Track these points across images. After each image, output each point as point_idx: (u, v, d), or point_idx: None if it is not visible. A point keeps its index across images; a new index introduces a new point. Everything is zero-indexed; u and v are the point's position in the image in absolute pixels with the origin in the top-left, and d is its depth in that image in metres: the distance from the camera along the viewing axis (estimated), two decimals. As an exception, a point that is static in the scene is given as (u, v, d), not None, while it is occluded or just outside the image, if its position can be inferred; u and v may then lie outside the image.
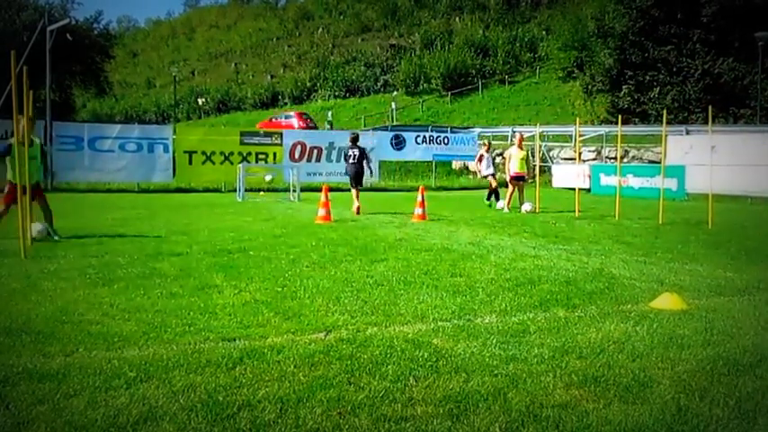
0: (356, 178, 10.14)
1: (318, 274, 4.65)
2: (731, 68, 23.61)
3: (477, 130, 25.86)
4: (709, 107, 9.79)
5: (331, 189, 10.45)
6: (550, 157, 23.04)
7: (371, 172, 10.57)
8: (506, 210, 10.69)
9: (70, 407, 2.15)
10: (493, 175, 12.00)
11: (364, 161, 10.14)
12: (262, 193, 16.13)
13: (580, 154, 19.61)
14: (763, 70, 21.07)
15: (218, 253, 5.62)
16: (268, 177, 13.72)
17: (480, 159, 12.24)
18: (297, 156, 18.83)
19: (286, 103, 43.59)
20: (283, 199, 13.90)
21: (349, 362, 2.65)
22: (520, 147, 10.85)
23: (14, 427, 2.00)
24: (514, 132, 11.40)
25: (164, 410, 2.13)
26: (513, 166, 10.66)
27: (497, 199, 11.56)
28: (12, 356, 2.67)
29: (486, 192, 12.45)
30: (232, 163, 17.53)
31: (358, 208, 9.84)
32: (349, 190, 10.67)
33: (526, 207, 10.49)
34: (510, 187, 10.78)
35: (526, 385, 2.39)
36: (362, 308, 3.61)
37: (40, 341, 2.89)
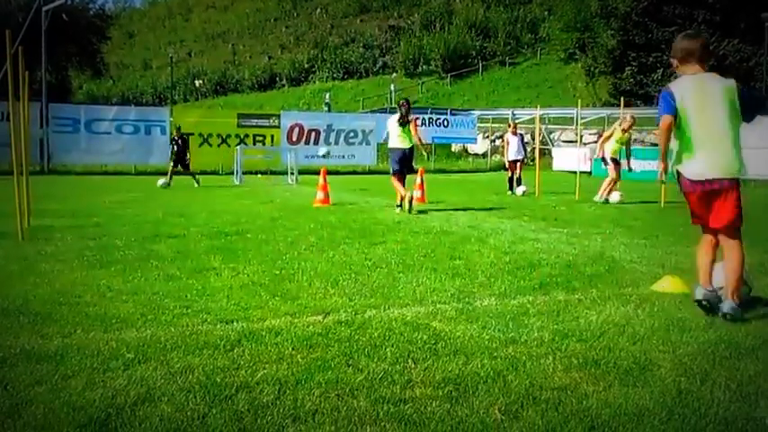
0: (182, 161, 12.69)
1: (317, 256, 4.63)
2: (736, 50, 23.32)
3: (477, 112, 25.65)
4: None
5: (329, 172, 10.40)
6: (551, 140, 22.92)
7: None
8: (599, 198, 9.34)
9: (68, 388, 2.14)
10: (521, 161, 11.10)
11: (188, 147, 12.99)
12: (259, 175, 16.05)
13: (581, 137, 19.48)
14: (769, 52, 20.81)
15: (215, 235, 5.59)
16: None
17: (508, 142, 11.19)
18: (294, 138, 18.70)
19: (284, 85, 43.11)
20: (281, 182, 13.83)
21: (347, 344, 2.63)
22: (625, 130, 9.46)
23: (12, 407, 1.99)
24: (621, 117, 9.95)
25: (162, 391, 2.12)
26: (608, 149, 9.50)
27: (518, 185, 10.90)
28: (9, 337, 2.66)
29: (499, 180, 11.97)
30: (229, 145, 17.41)
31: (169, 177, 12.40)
32: (350, 173, 11.13)
33: (614, 197, 9.30)
34: (610, 173, 9.52)
35: (525, 368, 2.38)
36: (361, 290, 3.59)
37: (38, 322, 2.88)
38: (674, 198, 9.24)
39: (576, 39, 31.87)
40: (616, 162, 9.53)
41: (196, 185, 12.44)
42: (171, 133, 17.11)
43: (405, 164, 7.55)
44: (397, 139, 7.50)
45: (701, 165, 2.97)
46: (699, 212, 3.09)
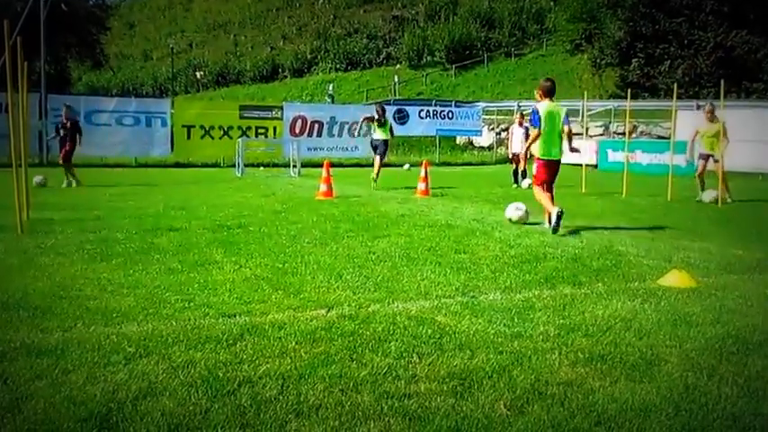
0: (66, 151, 10.39)
1: (320, 250, 4.60)
2: (745, 41, 22.95)
3: (482, 104, 25.44)
4: (722, 81, 9.52)
5: (333, 164, 10.35)
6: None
7: (80, 142, 10.75)
8: (729, 199, 8.56)
9: (69, 382, 2.13)
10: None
11: (77, 134, 10.49)
12: (261, 168, 16.02)
13: (587, 129, 19.30)
14: (777, 43, 20.51)
15: (217, 228, 5.57)
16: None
17: (513, 133, 11.29)
18: (297, 130, 18.61)
19: (286, 76, 42.89)
20: (284, 175, 13.79)
21: (351, 338, 2.61)
22: (711, 120, 8.65)
23: (13, 402, 1.98)
24: (704, 106, 8.91)
25: (163, 386, 2.10)
26: (700, 145, 8.61)
27: (524, 177, 10.76)
28: (9, 331, 2.64)
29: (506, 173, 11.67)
30: (231, 137, 17.34)
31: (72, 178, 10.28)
32: (353, 165, 11.63)
33: (710, 195, 8.42)
34: (699, 169, 8.60)
35: (531, 362, 2.36)
36: (365, 284, 3.57)
37: (38, 316, 2.86)
38: (681, 193, 9.18)
39: (583, 30, 31.49)
40: (708, 157, 8.76)
41: (64, 184, 9.74)
42: (171, 124, 16.98)
43: (383, 151, 10.49)
44: (379, 133, 10.47)
45: (549, 151, 5.77)
46: (543, 176, 5.82)
